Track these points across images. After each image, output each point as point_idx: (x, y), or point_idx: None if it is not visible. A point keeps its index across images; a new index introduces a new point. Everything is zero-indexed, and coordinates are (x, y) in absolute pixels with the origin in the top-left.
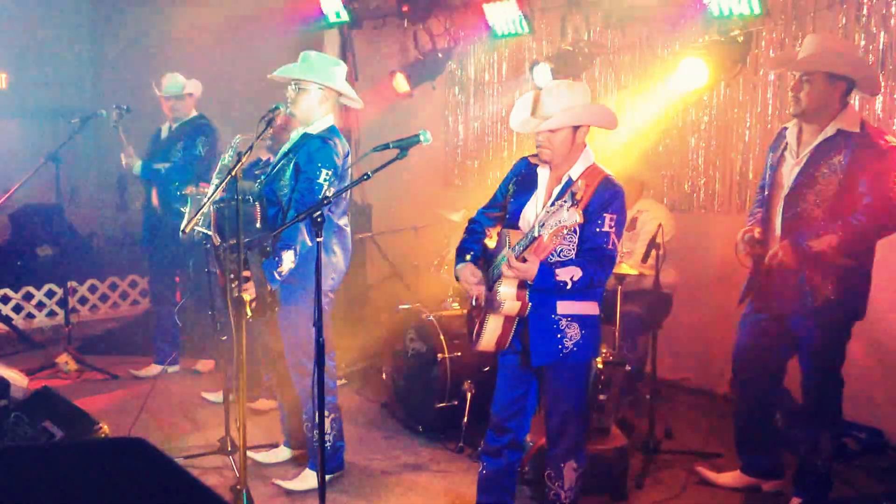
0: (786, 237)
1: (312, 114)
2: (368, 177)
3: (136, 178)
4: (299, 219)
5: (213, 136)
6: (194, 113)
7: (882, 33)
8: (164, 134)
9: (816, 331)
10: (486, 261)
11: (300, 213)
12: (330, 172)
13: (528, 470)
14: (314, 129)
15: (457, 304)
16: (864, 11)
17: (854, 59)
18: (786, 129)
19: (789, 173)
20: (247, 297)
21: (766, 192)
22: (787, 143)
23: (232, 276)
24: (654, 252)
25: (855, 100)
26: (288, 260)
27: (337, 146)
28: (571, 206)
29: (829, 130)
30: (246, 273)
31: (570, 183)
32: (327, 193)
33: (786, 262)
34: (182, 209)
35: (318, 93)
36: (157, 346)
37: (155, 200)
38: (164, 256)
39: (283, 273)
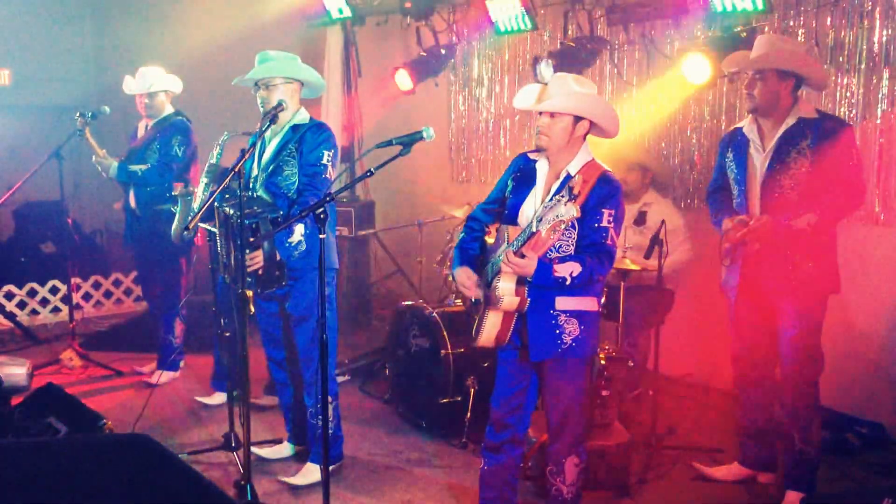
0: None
1: (288, 109)
2: (371, 173)
3: (112, 179)
4: (302, 215)
5: (189, 135)
6: (170, 110)
7: (885, 28)
8: (141, 132)
9: (802, 309)
10: (485, 257)
11: (305, 207)
12: (331, 153)
13: (530, 465)
14: (299, 120)
15: (460, 301)
16: (868, 6)
17: (801, 57)
18: (740, 128)
19: (760, 165)
20: (256, 264)
21: (737, 189)
22: (748, 140)
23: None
24: (656, 248)
25: (859, 95)
26: (298, 232)
27: (331, 131)
28: (569, 200)
29: (790, 121)
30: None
31: (568, 178)
32: (331, 173)
33: (765, 235)
34: (173, 209)
35: (286, 87)
36: (159, 348)
37: (132, 202)
38: (144, 258)
39: (292, 243)
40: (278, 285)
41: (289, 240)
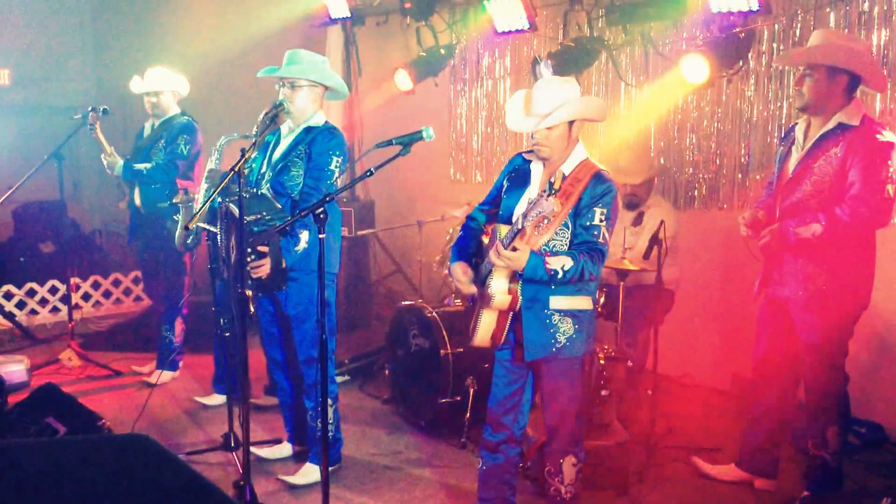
0: (778, 222)
1: (308, 110)
2: (371, 173)
3: (118, 177)
4: (301, 215)
5: (195, 134)
6: (176, 110)
7: (883, 29)
8: (147, 132)
9: (814, 322)
10: (480, 257)
11: (306, 207)
12: (340, 160)
13: (530, 465)
14: (314, 122)
15: (459, 301)
16: (866, 7)
17: (857, 55)
18: (796, 125)
19: (792, 166)
20: (262, 272)
21: (774, 186)
22: (794, 139)
23: (250, 250)
24: (655, 248)
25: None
26: (304, 239)
27: (343, 136)
28: (549, 195)
29: (831, 124)
30: (263, 249)
31: (562, 179)
32: (337, 180)
33: (772, 244)
34: (175, 216)
35: (311, 90)
36: (159, 348)
37: (137, 200)
38: (148, 256)
39: (298, 251)
40: (278, 289)
41: (295, 248)
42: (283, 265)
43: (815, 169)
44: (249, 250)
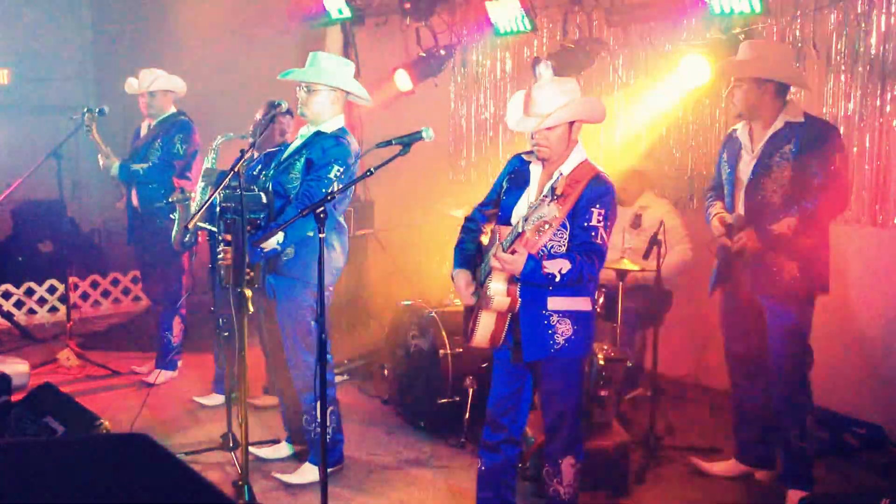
0: (749, 224)
1: (324, 114)
2: (371, 173)
3: (115, 178)
4: (303, 214)
5: (191, 133)
6: (172, 110)
7: (882, 30)
8: (143, 132)
9: (789, 308)
10: (480, 258)
11: (304, 207)
12: (341, 169)
13: (529, 466)
14: (326, 128)
15: (458, 301)
16: (865, 9)
17: (778, 63)
18: (735, 130)
19: (746, 168)
20: (224, 262)
21: (727, 189)
22: (741, 143)
23: (220, 238)
24: (655, 248)
25: (856, 97)
26: (274, 240)
27: (350, 145)
28: (551, 200)
29: (778, 124)
30: (228, 237)
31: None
32: (335, 188)
33: (750, 246)
34: (171, 216)
35: (329, 94)
36: (157, 347)
37: (135, 200)
38: (146, 256)
39: (265, 249)
40: (250, 286)
41: (262, 246)
42: (248, 261)
43: (773, 166)
44: (220, 238)
